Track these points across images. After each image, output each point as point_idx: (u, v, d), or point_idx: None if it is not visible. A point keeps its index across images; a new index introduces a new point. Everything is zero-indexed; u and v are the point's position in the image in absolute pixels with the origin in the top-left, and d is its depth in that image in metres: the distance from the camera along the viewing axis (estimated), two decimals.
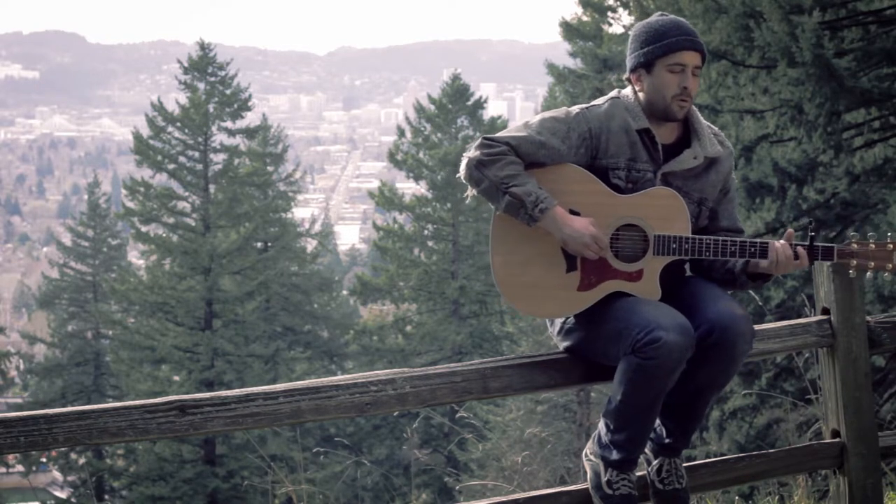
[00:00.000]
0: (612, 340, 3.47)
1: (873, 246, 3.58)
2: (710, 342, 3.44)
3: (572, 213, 3.50)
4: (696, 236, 3.52)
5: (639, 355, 3.37)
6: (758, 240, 3.55)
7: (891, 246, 3.58)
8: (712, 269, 3.69)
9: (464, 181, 3.55)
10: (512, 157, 3.49)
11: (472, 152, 3.52)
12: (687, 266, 3.76)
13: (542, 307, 3.60)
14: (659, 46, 3.53)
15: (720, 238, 3.53)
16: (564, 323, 3.68)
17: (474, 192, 3.57)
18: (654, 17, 3.61)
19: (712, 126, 3.73)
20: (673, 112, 3.55)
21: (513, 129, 3.55)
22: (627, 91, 3.64)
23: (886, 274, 3.65)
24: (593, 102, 3.65)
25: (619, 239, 3.53)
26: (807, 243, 3.55)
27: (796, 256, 3.53)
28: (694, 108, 3.64)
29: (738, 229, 3.76)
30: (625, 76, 3.67)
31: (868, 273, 3.63)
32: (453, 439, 23.47)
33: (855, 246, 3.58)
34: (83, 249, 38.53)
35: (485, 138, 3.52)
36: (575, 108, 3.60)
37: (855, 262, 3.58)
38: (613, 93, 3.66)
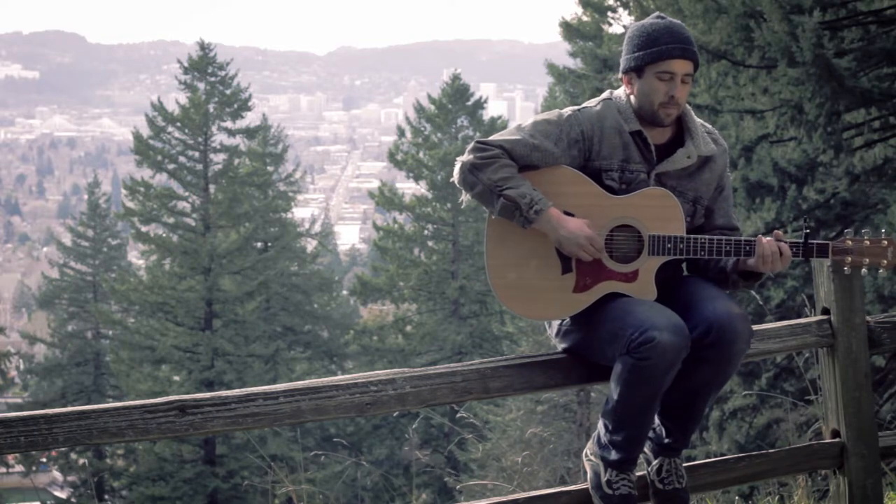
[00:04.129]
0: (608, 341, 3.47)
1: (868, 243, 3.56)
2: (708, 342, 3.44)
3: (567, 214, 3.50)
4: (691, 236, 3.52)
5: (633, 356, 3.37)
6: (753, 238, 3.54)
7: (885, 243, 3.57)
8: (707, 269, 3.70)
9: (458, 185, 3.55)
10: (505, 160, 3.49)
11: (465, 156, 3.52)
12: (684, 266, 3.75)
13: (538, 309, 3.59)
14: (649, 53, 3.52)
15: (715, 237, 3.52)
16: (562, 325, 3.68)
17: (468, 196, 3.57)
18: (650, 20, 3.58)
19: (706, 124, 3.72)
20: (659, 119, 3.55)
21: (506, 133, 3.55)
22: (620, 92, 3.64)
23: (882, 271, 3.64)
24: (586, 104, 3.64)
25: (613, 240, 3.53)
26: (801, 241, 3.54)
27: (780, 252, 3.50)
28: (687, 106, 3.63)
29: (734, 227, 3.75)
30: (617, 76, 3.66)
31: (863, 270, 3.62)
32: (453, 439, 23.47)
33: (850, 243, 3.57)
34: (83, 249, 38.50)
35: (478, 142, 3.52)
36: (567, 111, 3.59)
37: (850, 258, 3.56)
38: (606, 93, 3.66)
